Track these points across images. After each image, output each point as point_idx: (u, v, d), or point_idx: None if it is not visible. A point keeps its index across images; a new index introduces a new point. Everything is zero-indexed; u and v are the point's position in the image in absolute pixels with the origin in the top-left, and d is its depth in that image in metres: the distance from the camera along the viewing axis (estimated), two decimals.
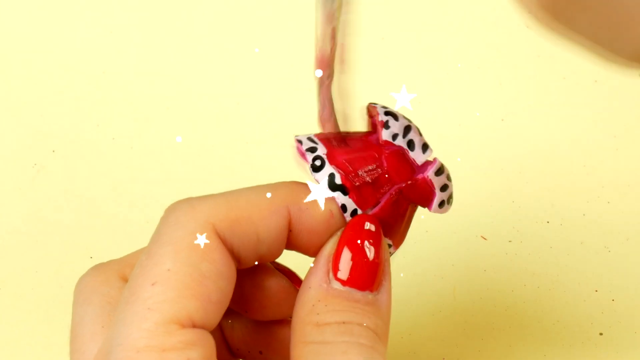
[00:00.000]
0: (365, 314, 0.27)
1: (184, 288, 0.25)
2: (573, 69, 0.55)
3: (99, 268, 0.30)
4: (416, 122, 0.55)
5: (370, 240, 0.28)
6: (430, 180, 0.30)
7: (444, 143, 0.52)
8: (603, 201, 0.49)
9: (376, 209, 0.30)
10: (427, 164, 0.31)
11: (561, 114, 0.54)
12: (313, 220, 0.29)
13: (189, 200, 0.28)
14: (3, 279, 0.47)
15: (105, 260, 0.32)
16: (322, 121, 0.30)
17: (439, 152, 0.52)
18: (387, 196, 0.30)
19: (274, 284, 0.30)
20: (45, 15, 0.59)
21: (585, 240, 0.48)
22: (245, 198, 0.28)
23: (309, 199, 0.29)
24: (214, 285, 0.26)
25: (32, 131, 0.54)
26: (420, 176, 0.30)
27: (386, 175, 0.30)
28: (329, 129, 0.30)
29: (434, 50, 0.56)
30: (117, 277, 0.29)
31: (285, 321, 0.32)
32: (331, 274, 0.28)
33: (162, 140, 0.53)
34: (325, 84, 0.30)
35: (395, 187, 0.30)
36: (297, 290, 0.30)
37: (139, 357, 0.24)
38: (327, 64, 0.29)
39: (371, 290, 0.28)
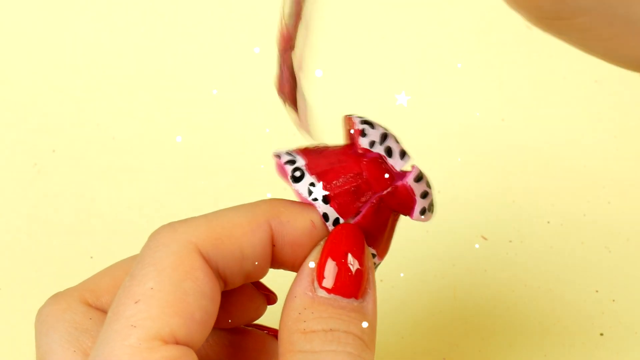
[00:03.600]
0: (351, 321, 0.27)
1: (167, 305, 0.26)
2: (573, 68, 0.55)
3: (58, 296, 0.30)
4: (416, 122, 0.55)
5: (354, 248, 0.28)
6: (410, 187, 0.30)
7: (444, 143, 0.52)
8: (603, 201, 0.49)
9: (358, 218, 0.29)
10: (406, 171, 0.30)
11: (561, 113, 0.54)
12: (295, 231, 0.29)
13: (171, 224, 0.28)
14: (3, 279, 0.47)
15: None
16: (280, 85, 0.30)
17: (439, 152, 0.52)
18: (368, 204, 0.29)
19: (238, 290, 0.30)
20: (45, 15, 0.59)
21: (586, 240, 0.48)
22: (227, 217, 0.28)
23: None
24: (196, 304, 0.26)
25: (32, 131, 0.53)
26: (399, 183, 0.30)
27: (366, 184, 0.30)
28: (287, 92, 0.30)
29: (434, 50, 0.56)
30: (78, 302, 0.29)
31: (248, 331, 0.32)
32: (316, 283, 0.28)
33: (162, 140, 0.53)
34: (285, 56, 0.30)
35: (376, 195, 0.30)
36: (259, 296, 0.31)
37: None
38: (290, 39, 0.30)
39: (356, 298, 0.28)
